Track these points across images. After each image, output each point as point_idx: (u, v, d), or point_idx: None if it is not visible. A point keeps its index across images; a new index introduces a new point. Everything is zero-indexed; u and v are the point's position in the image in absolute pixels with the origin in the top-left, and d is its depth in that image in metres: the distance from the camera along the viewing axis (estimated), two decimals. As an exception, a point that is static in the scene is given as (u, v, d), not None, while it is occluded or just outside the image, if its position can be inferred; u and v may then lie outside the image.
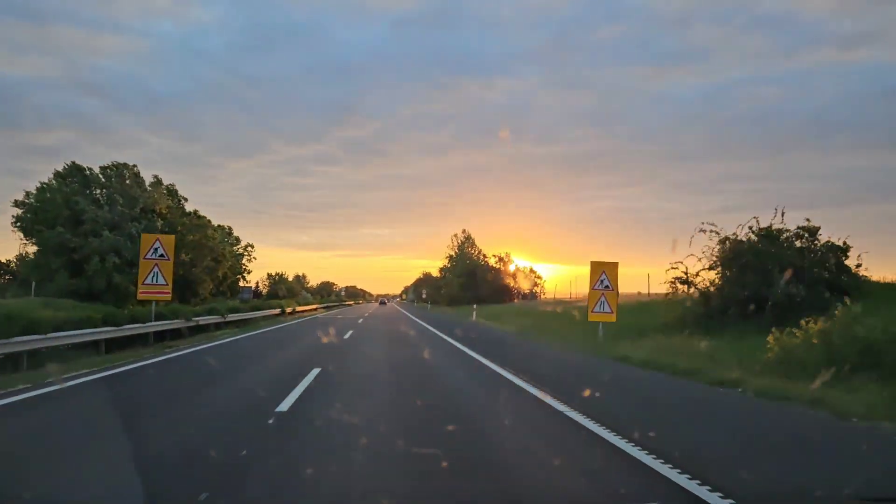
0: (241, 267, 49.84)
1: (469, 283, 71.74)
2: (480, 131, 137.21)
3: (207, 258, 37.41)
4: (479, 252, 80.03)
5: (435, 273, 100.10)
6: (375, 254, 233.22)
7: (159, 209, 32.33)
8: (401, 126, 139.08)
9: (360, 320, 33.41)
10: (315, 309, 57.33)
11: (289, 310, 42.11)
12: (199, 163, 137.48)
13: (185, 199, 38.12)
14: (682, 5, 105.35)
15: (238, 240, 50.07)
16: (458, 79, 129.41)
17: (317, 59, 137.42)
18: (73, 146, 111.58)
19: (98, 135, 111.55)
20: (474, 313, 35.11)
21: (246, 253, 50.73)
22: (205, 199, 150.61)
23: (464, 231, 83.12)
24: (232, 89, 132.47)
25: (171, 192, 36.84)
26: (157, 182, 32.12)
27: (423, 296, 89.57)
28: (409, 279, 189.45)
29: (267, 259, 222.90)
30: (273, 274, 70.57)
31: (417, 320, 34.48)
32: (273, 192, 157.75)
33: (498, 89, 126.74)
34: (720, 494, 3.91)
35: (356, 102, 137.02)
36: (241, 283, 49.06)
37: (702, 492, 4.01)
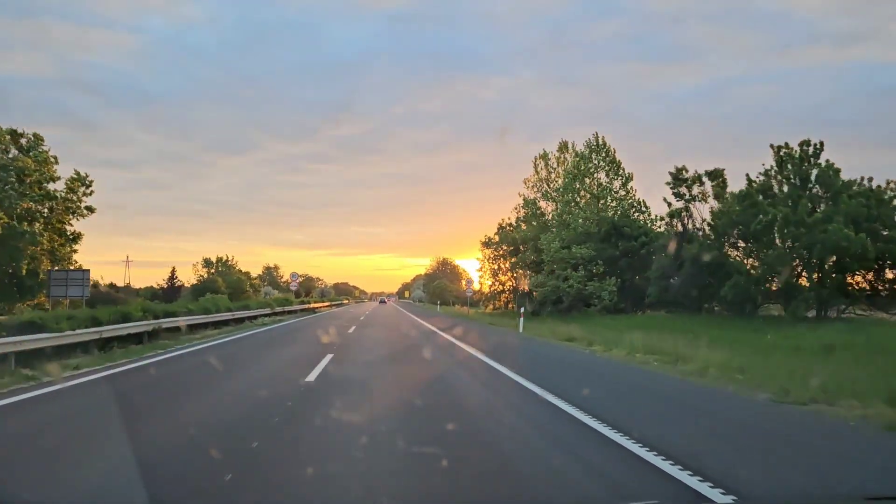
0: (66, 221, 22.73)
1: (613, 255, 29.74)
2: (475, 129, 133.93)
3: None
4: (618, 185, 35.91)
5: (451, 264, 69.86)
6: (369, 252, 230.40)
7: None
8: (394, 124, 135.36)
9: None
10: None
11: None
12: (190, 160, 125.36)
13: None
14: (677, 3, 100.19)
15: (52, 159, 22.66)
16: (452, 76, 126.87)
17: (310, 56, 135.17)
18: (64, 144, 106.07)
19: (89, 132, 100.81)
20: None
21: (74, 196, 23.12)
22: (196, 196, 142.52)
23: (563, 147, 39.01)
24: (224, 86, 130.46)
25: None
26: None
27: (470, 293, 57.50)
28: (404, 278, 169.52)
29: (262, 258, 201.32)
30: (215, 259, 43.21)
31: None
32: (266, 189, 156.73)
33: (492, 87, 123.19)
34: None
35: (350, 100, 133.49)
36: (56, 267, 21.86)
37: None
